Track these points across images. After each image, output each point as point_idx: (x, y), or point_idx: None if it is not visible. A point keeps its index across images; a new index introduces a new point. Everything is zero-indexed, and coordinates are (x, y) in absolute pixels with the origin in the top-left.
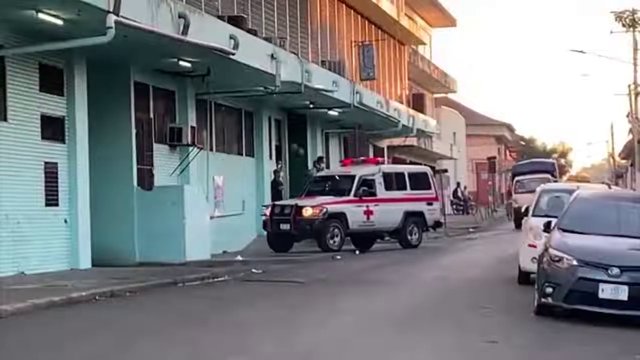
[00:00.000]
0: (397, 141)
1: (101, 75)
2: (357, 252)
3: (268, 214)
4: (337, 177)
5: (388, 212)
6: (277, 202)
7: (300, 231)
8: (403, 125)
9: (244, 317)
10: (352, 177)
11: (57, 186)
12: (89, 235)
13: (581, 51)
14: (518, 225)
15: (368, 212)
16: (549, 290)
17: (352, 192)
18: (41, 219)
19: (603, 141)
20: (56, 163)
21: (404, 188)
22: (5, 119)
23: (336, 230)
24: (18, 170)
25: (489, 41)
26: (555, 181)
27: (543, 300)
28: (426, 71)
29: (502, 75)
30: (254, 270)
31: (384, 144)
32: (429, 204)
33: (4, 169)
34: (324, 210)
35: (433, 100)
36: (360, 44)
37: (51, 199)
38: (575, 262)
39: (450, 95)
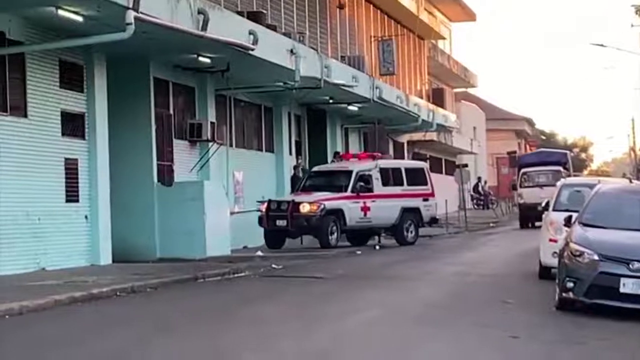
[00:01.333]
0: (417, 136)
1: (121, 72)
2: (377, 247)
3: (264, 209)
4: (333, 173)
5: (385, 208)
6: (272, 198)
7: (297, 227)
8: (423, 120)
9: (264, 313)
10: (349, 172)
11: (77, 182)
12: (110, 231)
13: (601, 44)
14: (524, 224)
15: (365, 208)
16: (570, 284)
17: (349, 188)
18: (62, 215)
19: (624, 135)
20: (76, 159)
21: (401, 184)
22: (25, 116)
23: (333, 226)
24: (38, 166)
25: (509, 35)
26: (568, 174)
27: (564, 294)
28: (446, 66)
29: (522, 69)
30: (274, 265)
31: (404, 138)
32: (425, 199)
33: (24, 166)
34: (322, 206)
35: (453, 95)
36: (379, 39)
37: (72, 195)
38: (596, 257)
39: (470, 90)
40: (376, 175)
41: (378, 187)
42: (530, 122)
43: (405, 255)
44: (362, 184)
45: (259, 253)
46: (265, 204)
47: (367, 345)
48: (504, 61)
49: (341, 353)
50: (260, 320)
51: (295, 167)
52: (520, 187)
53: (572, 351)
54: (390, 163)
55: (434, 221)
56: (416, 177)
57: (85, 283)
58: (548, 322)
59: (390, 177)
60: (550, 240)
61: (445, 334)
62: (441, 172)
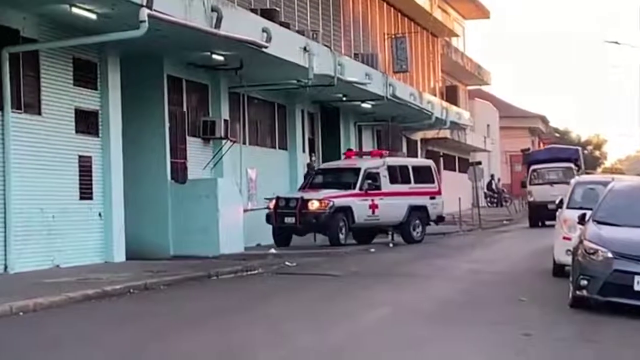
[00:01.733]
0: (430, 133)
1: (135, 69)
2: (391, 244)
3: (272, 207)
4: (341, 170)
5: (393, 206)
6: (281, 195)
7: (306, 225)
8: (436, 118)
9: (278, 310)
10: (357, 169)
11: (91, 180)
12: (123, 228)
13: (616, 42)
14: (533, 223)
15: (373, 206)
16: (584, 282)
17: (358, 186)
18: (76, 212)
19: (639, 133)
20: (90, 157)
21: (408, 182)
22: (39, 113)
23: (342, 224)
24: (52, 164)
25: (522, 32)
26: (580, 171)
27: (578, 292)
28: (459, 63)
29: (535, 66)
30: (287, 263)
31: (418, 136)
32: (432, 198)
33: (38, 163)
34: (331, 203)
35: (466, 93)
36: (393, 36)
37: (85, 193)
38: (610, 255)
39: (484, 88)
40: (384, 173)
41: (386, 185)
42: (544, 120)
43: (419, 252)
44: (370, 181)
45: (273, 250)
46: (274, 201)
47: (381, 343)
48: (518, 58)
49: (355, 351)
50: (274, 318)
51: (308, 165)
52: (530, 184)
53: (586, 349)
54: (397, 161)
55: (440, 219)
56: (423, 175)
57: (99, 280)
58: (562, 319)
59: (398, 175)
60: (564, 238)
61: (459, 331)
62: (454, 170)
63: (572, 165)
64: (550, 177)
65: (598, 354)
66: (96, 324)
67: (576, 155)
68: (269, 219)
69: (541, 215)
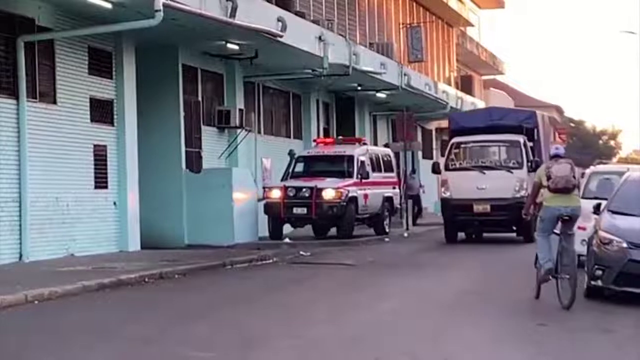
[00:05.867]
0: (445, 123)
1: (150, 59)
2: (406, 234)
3: (279, 197)
4: (330, 158)
5: (375, 196)
6: (288, 184)
7: (321, 216)
8: (451, 107)
9: (292, 300)
10: (349, 157)
11: (106, 169)
12: (138, 217)
13: (632, 32)
14: (451, 237)
15: (365, 196)
16: (599, 272)
17: (355, 174)
18: (90, 201)
19: None
20: (105, 146)
21: (380, 170)
22: (54, 102)
23: (354, 215)
24: (68, 153)
25: (537, 22)
26: (532, 147)
27: (593, 282)
28: (474, 53)
29: (551, 56)
30: (302, 252)
31: (432, 126)
32: (394, 188)
33: (53, 152)
34: (346, 193)
35: (481, 82)
36: (408, 25)
37: (100, 182)
38: (625, 245)
39: (499, 77)
40: (368, 161)
41: (370, 174)
42: (559, 110)
43: (433, 242)
44: (361, 170)
45: (287, 240)
46: (277, 190)
47: (397, 332)
48: (533, 48)
49: (371, 340)
50: (289, 307)
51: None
52: (447, 169)
53: (601, 339)
54: (375, 149)
55: (395, 211)
56: (387, 164)
57: (114, 269)
58: (577, 310)
59: (374, 163)
60: (579, 227)
61: (474, 321)
62: None
63: (521, 138)
64: (484, 157)
65: (614, 344)
66: (112, 312)
67: (531, 123)
68: (269, 209)
69: (463, 223)
